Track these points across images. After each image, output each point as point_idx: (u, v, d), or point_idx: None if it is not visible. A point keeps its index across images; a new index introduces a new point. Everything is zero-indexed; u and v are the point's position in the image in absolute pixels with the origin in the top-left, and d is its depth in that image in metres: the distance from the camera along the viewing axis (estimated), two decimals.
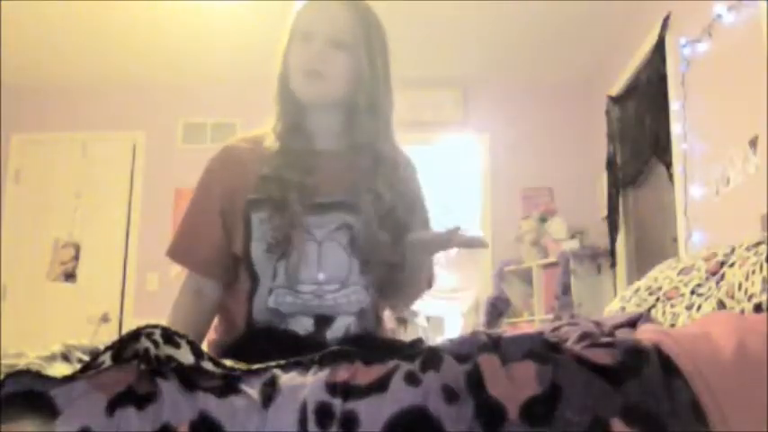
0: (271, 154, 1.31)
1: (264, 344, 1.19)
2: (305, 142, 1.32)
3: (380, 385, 0.87)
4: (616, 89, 4.27)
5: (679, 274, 1.85)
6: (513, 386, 0.86)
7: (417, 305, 5.63)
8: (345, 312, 1.27)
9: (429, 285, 1.47)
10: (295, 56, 1.30)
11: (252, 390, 0.87)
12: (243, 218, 1.28)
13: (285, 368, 0.93)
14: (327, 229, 1.27)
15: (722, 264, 1.63)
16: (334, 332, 1.25)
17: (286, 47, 1.33)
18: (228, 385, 0.88)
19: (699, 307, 1.61)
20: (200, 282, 1.33)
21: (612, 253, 4.25)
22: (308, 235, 1.25)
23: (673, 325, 1.64)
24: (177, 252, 1.36)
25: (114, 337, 1.04)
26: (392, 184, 1.32)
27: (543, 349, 0.93)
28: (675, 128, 3.32)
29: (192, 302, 1.32)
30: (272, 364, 0.94)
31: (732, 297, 1.45)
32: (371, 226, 1.27)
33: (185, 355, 0.90)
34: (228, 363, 0.93)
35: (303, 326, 1.24)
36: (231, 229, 1.31)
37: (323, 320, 1.25)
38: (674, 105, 3.33)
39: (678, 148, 3.29)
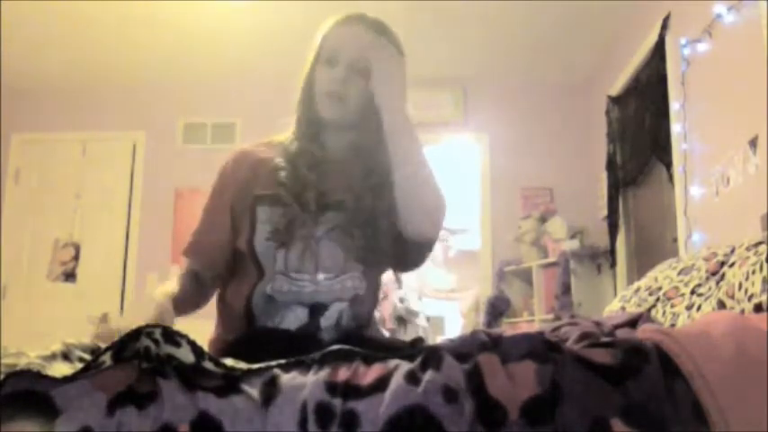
0: (286, 152, 1.39)
1: (262, 343, 1.20)
2: (318, 150, 1.40)
3: (381, 385, 0.87)
4: (616, 89, 4.27)
5: (679, 274, 1.85)
6: (514, 386, 0.86)
7: (417, 305, 5.63)
8: (339, 299, 1.31)
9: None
10: (320, 79, 1.38)
11: (252, 389, 0.87)
12: (249, 211, 1.33)
13: (285, 368, 0.93)
14: (326, 227, 1.33)
15: (722, 264, 1.63)
16: (328, 319, 1.30)
17: (311, 68, 1.40)
18: (229, 385, 0.88)
19: (699, 307, 1.61)
20: (199, 271, 1.41)
21: (612, 253, 4.25)
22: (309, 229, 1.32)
23: (673, 325, 1.64)
24: (189, 252, 1.43)
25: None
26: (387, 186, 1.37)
27: (543, 349, 0.93)
28: (675, 128, 3.32)
29: (190, 282, 1.39)
30: (273, 363, 0.94)
31: (732, 297, 1.45)
32: (367, 228, 1.33)
33: (186, 355, 0.90)
34: (229, 362, 0.93)
35: (297, 317, 1.29)
36: (239, 224, 1.37)
37: (317, 309, 1.30)
38: (674, 105, 3.34)
39: (678, 148, 3.29)
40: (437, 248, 4.46)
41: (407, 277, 5.48)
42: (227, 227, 1.37)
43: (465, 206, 5.22)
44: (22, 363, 0.87)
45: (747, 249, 1.52)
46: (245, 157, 1.42)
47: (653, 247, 3.87)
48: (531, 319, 4.45)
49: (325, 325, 1.29)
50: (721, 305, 1.48)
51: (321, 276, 1.30)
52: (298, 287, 1.29)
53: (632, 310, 1.88)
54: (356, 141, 1.41)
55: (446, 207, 1.35)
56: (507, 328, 3.94)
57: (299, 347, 1.05)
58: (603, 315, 2.07)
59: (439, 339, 3.33)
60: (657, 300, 1.84)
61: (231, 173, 1.40)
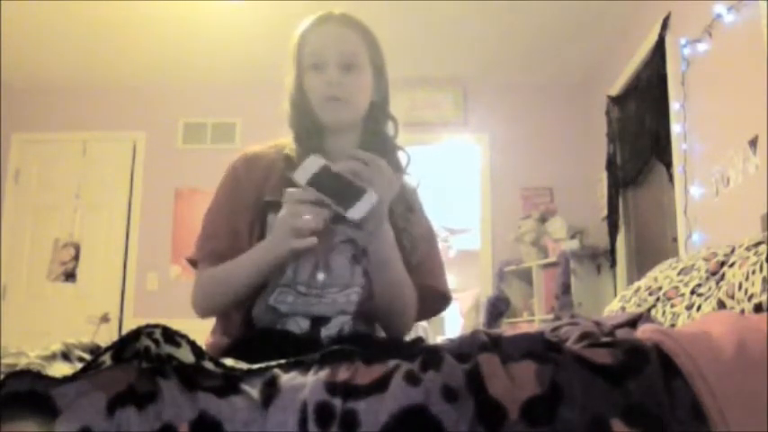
0: (294, 166, 1.32)
1: (262, 345, 1.19)
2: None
3: (381, 385, 0.87)
4: (616, 89, 4.27)
5: (679, 274, 1.85)
6: (514, 386, 0.86)
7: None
8: (342, 312, 1.29)
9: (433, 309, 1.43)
10: (311, 86, 1.34)
11: (252, 389, 0.87)
12: (260, 216, 1.31)
13: (285, 368, 0.93)
14: (338, 239, 1.31)
15: (722, 264, 1.63)
16: (329, 330, 1.28)
17: (296, 76, 1.37)
18: (229, 385, 0.88)
19: (699, 307, 1.61)
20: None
21: (612, 253, 4.25)
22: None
23: (673, 325, 1.64)
24: (209, 259, 1.34)
25: (114, 337, 1.05)
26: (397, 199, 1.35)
27: (543, 349, 0.93)
28: (675, 128, 3.32)
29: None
30: (273, 363, 0.94)
31: (732, 297, 1.45)
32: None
33: (186, 354, 0.90)
34: (229, 362, 0.93)
35: (299, 325, 1.27)
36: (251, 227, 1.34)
37: (319, 320, 1.28)
38: (674, 105, 3.34)
39: (678, 148, 3.29)
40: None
41: None
42: (247, 235, 1.32)
43: (465, 206, 5.23)
44: (22, 363, 0.87)
45: (747, 249, 1.52)
46: (258, 160, 1.38)
47: (653, 247, 3.87)
48: (531, 319, 4.45)
49: (326, 335, 1.27)
50: (721, 305, 1.48)
51: (327, 290, 1.28)
52: (303, 300, 1.27)
53: (632, 310, 1.88)
54: (359, 144, 1.38)
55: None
56: (507, 328, 3.95)
57: (300, 349, 1.04)
58: (603, 315, 2.07)
59: (439, 339, 3.33)
60: (657, 300, 1.84)
61: (246, 177, 1.35)
